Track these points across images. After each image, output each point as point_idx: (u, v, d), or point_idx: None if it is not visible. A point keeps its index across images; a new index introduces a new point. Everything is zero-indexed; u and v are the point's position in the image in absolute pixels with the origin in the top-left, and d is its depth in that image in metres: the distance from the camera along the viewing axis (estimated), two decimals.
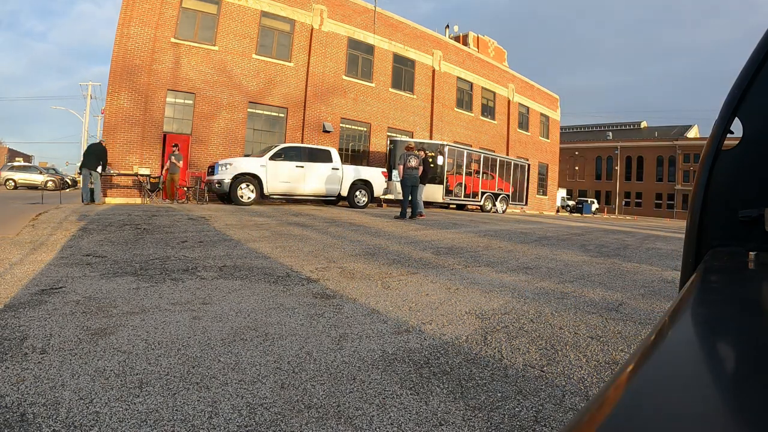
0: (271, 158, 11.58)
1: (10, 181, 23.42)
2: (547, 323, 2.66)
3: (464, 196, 17.70)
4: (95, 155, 10.80)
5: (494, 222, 10.93)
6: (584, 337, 2.44)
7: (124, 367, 1.80)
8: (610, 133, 57.12)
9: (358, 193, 13.06)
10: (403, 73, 19.78)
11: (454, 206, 18.22)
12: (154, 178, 12.60)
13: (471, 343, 2.28)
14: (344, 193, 12.80)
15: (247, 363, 1.91)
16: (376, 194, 13.67)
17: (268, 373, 1.82)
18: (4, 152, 54.38)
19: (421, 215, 10.08)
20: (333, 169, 12.52)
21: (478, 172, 18.46)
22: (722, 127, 1.10)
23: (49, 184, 23.50)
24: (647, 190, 51.51)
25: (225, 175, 11.04)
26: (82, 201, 10.79)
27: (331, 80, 17.17)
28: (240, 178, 11.09)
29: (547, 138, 29.40)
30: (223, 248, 4.72)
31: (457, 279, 3.80)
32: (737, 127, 1.11)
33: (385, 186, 14.06)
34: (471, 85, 23.07)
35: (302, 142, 15.41)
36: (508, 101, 25.54)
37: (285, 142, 14.57)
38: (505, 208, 19.56)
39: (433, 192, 15.69)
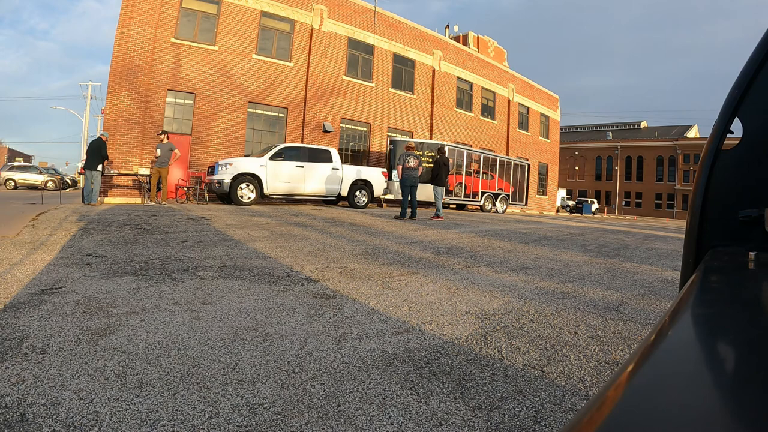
0: (271, 158, 11.58)
1: (10, 181, 23.42)
2: (547, 323, 2.66)
3: (464, 196, 17.70)
4: (95, 153, 10.73)
5: (494, 222, 10.93)
6: (584, 337, 2.44)
7: (124, 367, 1.80)
8: (610, 133, 57.12)
9: (358, 193, 13.07)
10: (403, 73, 19.77)
11: (454, 206, 18.22)
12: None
13: (471, 343, 2.28)
14: (344, 193, 12.80)
15: (247, 363, 1.90)
16: (376, 194, 13.67)
17: (268, 373, 1.82)
18: (4, 152, 54.37)
19: (440, 217, 10.06)
20: (333, 169, 12.52)
21: (478, 172, 18.46)
22: (722, 127, 1.10)
23: (49, 184, 23.49)
24: (647, 190, 51.50)
25: (225, 175, 11.04)
26: (83, 201, 10.80)
27: (331, 80, 17.16)
28: (240, 178, 11.09)
29: (547, 138, 29.39)
30: (223, 248, 4.72)
31: (457, 279, 3.80)
32: (737, 127, 1.11)
33: (385, 186, 14.06)
34: (471, 85, 23.07)
35: (302, 142, 15.41)
36: (508, 101, 25.54)
37: (285, 142, 14.57)
38: (505, 208, 19.56)
39: (430, 191, 15.69)
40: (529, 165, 22.18)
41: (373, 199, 13.99)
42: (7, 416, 1.41)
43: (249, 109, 15.28)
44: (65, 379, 1.68)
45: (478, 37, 29.24)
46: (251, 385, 1.70)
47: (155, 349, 2.01)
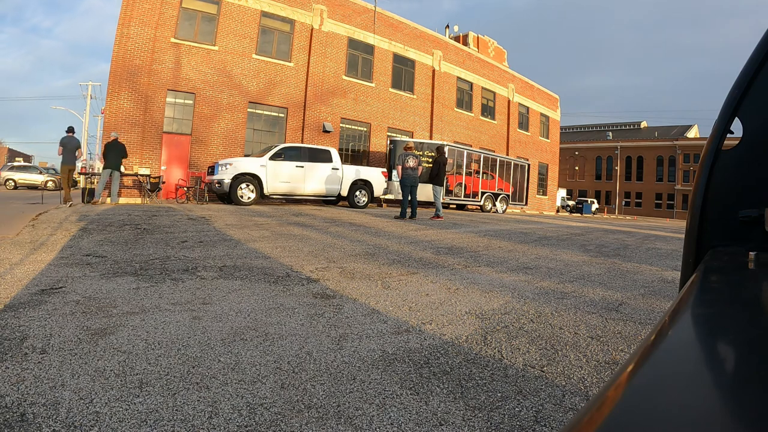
0: (271, 158, 11.59)
1: (10, 181, 23.42)
2: (547, 323, 2.66)
3: (464, 196, 17.70)
4: (120, 153, 10.57)
5: (494, 222, 10.93)
6: (584, 337, 2.44)
7: (124, 367, 1.80)
8: (610, 133, 57.13)
9: (358, 193, 13.07)
10: (403, 73, 19.78)
11: (454, 206, 18.23)
12: (154, 178, 12.57)
13: (471, 343, 2.28)
14: (344, 193, 12.80)
15: (247, 363, 1.91)
16: (376, 194, 13.67)
17: (268, 373, 1.82)
18: (4, 152, 54.37)
19: (439, 217, 10.07)
20: (333, 169, 12.52)
21: (478, 172, 18.46)
22: (722, 127, 1.10)
23: (49, 184, 23.49)
24: (647, 190, 51.51)
25: (225, 175, 11.04)
26: (83, 201, 10.81)
27: (331, 80, 17.17)
28: (240, 178, 11.09)
29: (547, 138, 29.40)
30: (223, 248, 4.72)
31: (457, 279, 3.80)
32: (737, 127, 1.11)
33: (385, 186, 14.06)
34: (471, 85, 23.07)
35: (302, 143, 15.41)
36: (508, 101, 25.54)
37: (285, 143, 14.57)
38: (505, 208, 19.56)
39: (429, 191, 15.70)
40: (529, 165, 22.18)
41: (373, 199, 13.99)
42: (7, 416, 1.41)
43: (249, 109, 15.28)
44: (65, 379, 1.68)
45: (478, 37, 29.25)
46: (251, 385, 1.70)
47: (155, 349, 2.01)
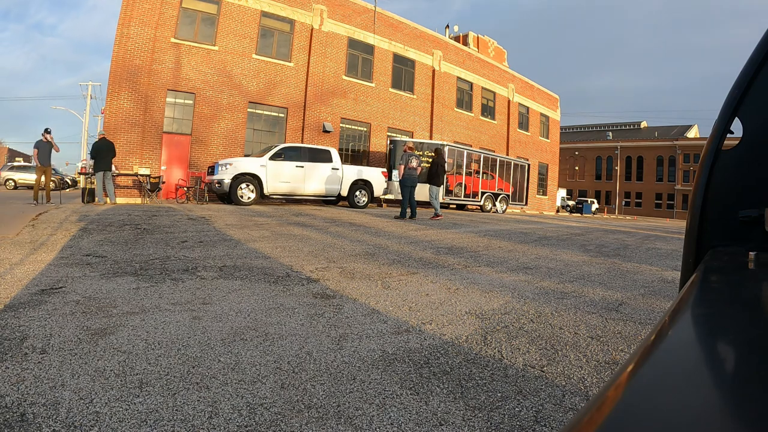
0: (271, 158, 11.59)
1: (10, 181, 23.41)
2: (547, 323, 2.66)
3: (464, 196, 17.70)
4: (109, 153, 10.56)
5: (494, 222, 10.93)
6: (584, 337, 2.44)
7: (124, 367, 1.80)
8: (610, 133, 57.13)
9: (358, 193, 13.07)
10: (403, 73, 19.77)
11: (454, 206, 18.23)
12: (154, 178, 12.58)
13: (471, 343, 2.28)
14: (344, 193, 12.80)
15: (247, 363, 1.90)
16: (376, 194, 13.67)
17: (268, 373, 1.82)
18: (4, 152, 54.33)
19: (438, 216, 10.09)
20: (333, 169, 12.52)
21: (478, 172, 18.46)
22: (722, 127, 1.10)
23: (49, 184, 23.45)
24: (647, 190, 51.51)
25: (225, 175, 11.04)
26: (82, 201, 10.81)
27: (331, 80, 17.17)
28: (240, 178, 11.09)
29: (547, 138, 29.40)
30: (223, 248, 4.72)
31: (457, 279, 3.80)
32: (737, 127, 1.11)
33: (385, 186, 14.07)
34: (471, 85, 23.07)
35: (302, 143, 15.41)
36: (508, 101, 25.54)
37: (285, 143, 14.57)
38: (505, 208, 19.56)
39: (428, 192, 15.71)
40: (529, 165, 22.18)
41: (373, 199, 13.99)
42: (7, 416, 1.41)
43: (249, 110, 15.28)
44: (65, 379, 1.68)
45: (478, 37, 29.25)
46: (251, 385, 1.70)
47: (155, 349, 2.01)
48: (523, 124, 26.87)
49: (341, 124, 17.54)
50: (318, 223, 7.72)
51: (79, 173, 15.13)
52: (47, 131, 10.39)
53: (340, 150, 16.35)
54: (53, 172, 26.25)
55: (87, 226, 5.87)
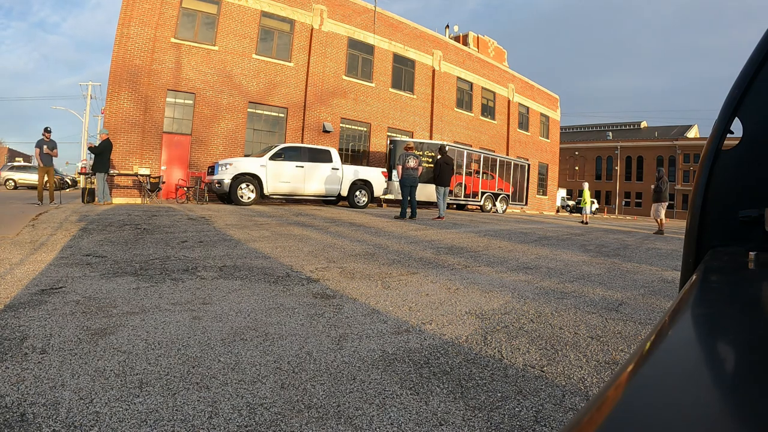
0: (271, 158, 11.59)
1: (10, 181, 23.40)
2: (547, 323, 2.66)
3: (464, 196, 17.71)
4: (108, 153, 10.51)
5: (494, 222, 10.93)
6: (584, 337, 2.44)
7: (124, 367, 1.80)
8: (610, 133, 57.12)
9: (358, 193, 13.07)
10: (403, 73, 19.77)
11: (454, 206, 18.23)
12: (154, 178, 12.57)
13: (471, 343, 2.28)
14: (344, 193, 12.80)
15: (247, 363, 1.90)
16: (376, 194, 13.67)
17: (268, 373, 1.82)
18: (4, 152, 54.34)
19: (441, 218, 10.06)
20: (333, 169, 12.52)
21: (478, 172, 18.47)
22: (722, 127, 1.10)
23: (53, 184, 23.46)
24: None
25: (225, 175, 11.04)
26: (82, 201, 10.82)
27: (331, 80, 17.17)
28: (240, 178, 11.09)
29: (547, 138, 29.40)
30: (223, 248, 4.72)
31: (457, 279, 3.80)
32: (737, 127, 1.11)
33: (385, 186, 14.07)
34: (471, 85, 23.07)
35: (302, 143, 15.41)
36: (508, 101, 25.54)
37: (285, 143, 14.57)
38: (505, 208, 19.57)
39: (432, 192, 15.72)
40: (529, 165, 22.19)
41: (373, 199, 13.99)
42: (7, 416, 1.41)
43: (249, 110, 15.28)
44: (65, 379, 1.68)
45: (478, 37, 29.25)
46: (251, 385, 1.70)
47: (155, 349, 2.01)
48: (523, 124, 26.87)
49: (341, 124, 17.54)
50: (318, 223, 7.72)
51: (79, 173, 15.11)
52: (47, 130, 10.35)
53: (340, 150, 16.35)
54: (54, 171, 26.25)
55: (87, 226, 5.87)
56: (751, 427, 0.27)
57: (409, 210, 9.64)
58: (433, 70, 20.88)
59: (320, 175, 12.27)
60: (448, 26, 28.04)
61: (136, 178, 12.88)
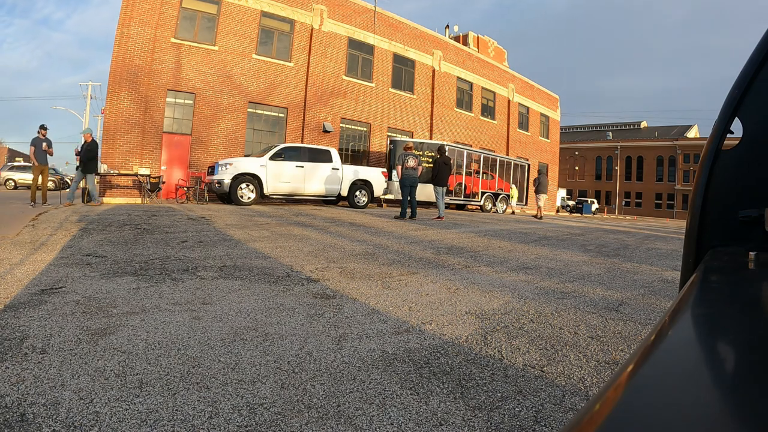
0: (271, 158, 11.59)
1: (10, 181, 23.41)
2: (547, 323, 2.66)
3: (464, 196, 17.71)
4: (96, 154, 10.52)
5: (494, 222, 10.93)
6: (584, 337, 2.44)
7: (124, 367, 1.80)
8: (610, 133, 57.13)
9: (358, 193, 13.07)
10: (403, 73, 19.78)
11: (454, 206, 18.24)
12: (154, 178, 12.57)
13: (471, 343, 2.28)
14: (344, 193, 12.81)
15: (247, 363, 1.90)
16: (376, 194, 13.67)
17: (268, 373, 1.82)
18: (4, 152, 54.30)
19: (440, 217, 10.06)
20: (333, 169, 12.52)
21: (478, 172, 18.47)
22: (722, 127, 1.10)
23: (49, 184, 23.47)
24: (647, 190, 51.51)
25: (225, 175, 11.04)
26: (83, 201, 10.80)
27: (331, 80, 17.17)
28: (240, 178, 11.09)
29: (547, 138, 29.40)
30: (223, 248, 4.72)
31: (457, 279, 3.80)
32: (737, 127, 1.11)
33: (385, 186, 14.07)
34: (471, 85, 23.07)
35: (302, 143, 15.41)
36: (508, 101, 25.54)
37: (285, 143, 14.57)
38: (505, 208, 19.58)
39: (432, 192, 15.74)
40: (529, 165, 22.20)
41: (373, 199, 14.00)
42: (7, 416, 1.41)
43: (249, 110, 15.28)
44: (65, 379, 1.68)
45: (478, 37, 29.25)
46: (251, 385, 1.70)
47: (155, 349, 2.01)
48: (523, 124, 26.87)
49: (341, 124, 17.54)
50: (318, 223, 7.72)
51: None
52: (43, 127, 9.89)
53: (340, 150, 16.35)
54: (53, 172, 26.29)
55: (87, 226, 5.87)
56: (751, 427, 0.27)
57: (409, 210, 9.63)
58: (433, 70, 20.89)
59: (320, 175, 12.27)
60: (447, 26, 28.05)
61: (136, 178, 12.88)
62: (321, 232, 6.51)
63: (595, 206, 39.21)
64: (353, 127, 18.03)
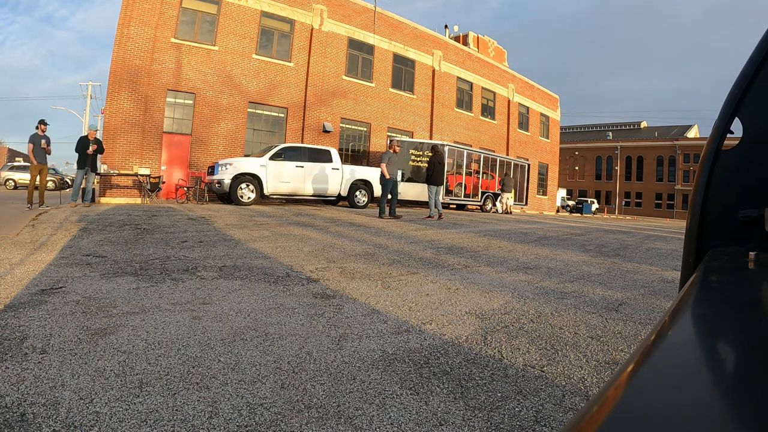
0: (271, 158, 11.59)
1: (10, 181, 23.41)
2: (547, 323, 2.66)
3: (464, 196, 17.71)
4: (98, 152, 10.02)
5: (494, 222, 10.93)
6: (584, 337, 2.44)
7: (124, 367, 1.80)
8: (610, 133, 57.13)
9: (358, 193, 13.07)
10: (403, 73, 19.77)
11: (454, 206, 18.24)
12: (154, 178, 12.56)
13: (471, 343, 2.28)
14: (344, 193, 12.81)
15: (247, 363, 1.90)
16: (376, 194, 13.67)
17: (268, 373, 1.82)
18: (4, 152, 54.28)
19: (431, 217, 10.05)
20: (333, 169, 12.52)
21: (478, 172, 18.47)
22: (722, 127, 1.10)
23: (49, 184, 23.49)
24: (647, 190, 51.51)
25: (225, 175, 11.04)
26: (82, 201, 10.75)
27: (331, 80, 17.17)
28: (240, 178, 11.09)
29: (547, 138, 29.39)
30: (223, 248, 4.72)
31: (457, 279, 3.80)
32: (737, 127, 1.11)
33: None
34: (471, 85, 23.07)
35: (302, 143, 15.41)
36: (508, 101, 25.54)
37: (285, 143, 14.57)
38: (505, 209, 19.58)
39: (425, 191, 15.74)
40: (529, 165, 22.19)
41: (373, 199, 14.00)
42: (7, 416, 1.41)
43: (249, 110, 15.28)
44: (65, 379, 1.68)
45: (478, 37, 29.25)
46: (251, 385, 1.70)
47: (155, 349, 2.01)
48: (523, 124, 26.87)
49: (341, 124, 17.53)
50: (318, 223, 7.72)
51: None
52: (43, 123, 9.23)
53: (340, 150, 16.34)
54: (53, 171, 26.26)
55: (87, 227, 5.87)
56: (751, 427, 0.27)
57: (387, 207, 9.64)
58: (433, 70, 20.88)
59: (320, 175, 12.27)
60: (447, 26, 28.05)
61: (136, 178, 12.87)
62: (321, 232, 6.51)
63: (595, 206, 39.20)
64: (353, 127, 18.03)
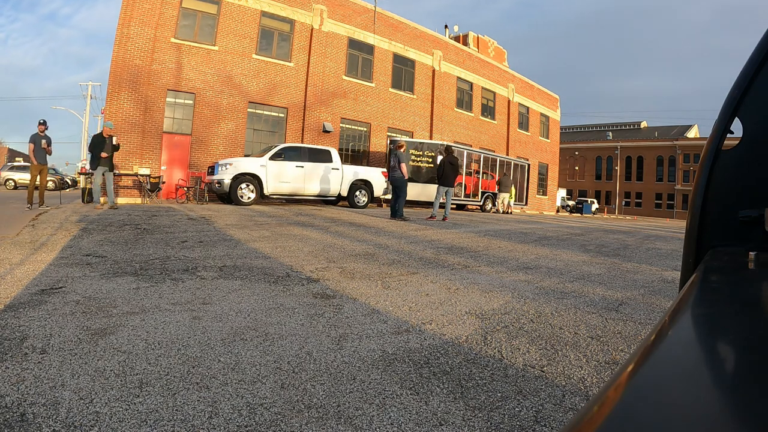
0: (271, 158, 11.59)
1: (10, 181, 23.41)
2: (547, 323, 2.66)
3: (464, 196, 17.71)
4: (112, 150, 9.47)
5: (494, 222, 10.93)
6: (584, 337, 2.44)
7: (124, 367, 1.80)
8: (610, 133, 57.13)
9: (358, 193, 13.07)
10: (403, 73, 19.78)
11: (454, 206, 18.25)
12: (154, 178, 12.56)
13: (471, 343, 2.28)
14: (344, 193, 12.81)
15: (247, 363, 1.90)
16: (376, 194, 13.68)
17: (268, 373, 1.82)
18: (4, 152, 54.27)
19: (433, 217, 10.01)
20: (333, 169, 12.52)
21: (478, 172, 18.48)
22: (722, 127, 1.10)
23: (49, 184, 23.48)
24: (647, 190, 51.51)
25: (225, 175, 11.04)
26: (82, 201, 10.74)
27: (331, 80, 17.17)
28: (240, 178, 11.10)
29: (547, 138, 29.40)
30: (223, 248, 4.72)
31: (457, 279, 3.80)
32: (737, 127, 1.11)
33: (385, 186, 14.08)
34: (471, 85, 23.08)
35: (302, 143, 15.42)
36: (508, 101, 25.54)
37: (285, 143, 14.58)
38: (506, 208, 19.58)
39: (432, 192, 15.74)
40: (529, 165, 22.20)
41: (373, 199, 14.00)
42: (7, 416, 1.41)
43: (249, 110, 15.29)
44: (65, 379, 1.68)
45: (478, 37, 29.25)
46: (251, 385, 1.70)
47: (155, 349, 2.01)
48: (523, 124, 26.88)
49: (341, 124, 17.54)
50: (318, 223, 7.72)
51: (79, 173, 15.04)
52: (43, 123, 9.19)
53: (340, 150, 16.35)
54: (53, 171, 26.25)
55: (87, 227, 5.87)
56: (751, 427, 0.27)
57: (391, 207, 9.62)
58: (433, 70, 20.89)
59: (320, 175, 12.27)
60: (447, 26, 28.05)
61: (136, 178, 12.88)
62: (321, 232, 6.51)
63: (595, 206, 39.20)
64: (353, 127, 18.03)
